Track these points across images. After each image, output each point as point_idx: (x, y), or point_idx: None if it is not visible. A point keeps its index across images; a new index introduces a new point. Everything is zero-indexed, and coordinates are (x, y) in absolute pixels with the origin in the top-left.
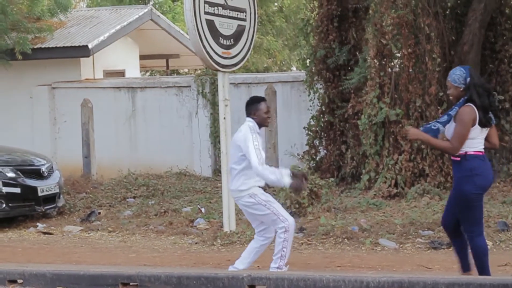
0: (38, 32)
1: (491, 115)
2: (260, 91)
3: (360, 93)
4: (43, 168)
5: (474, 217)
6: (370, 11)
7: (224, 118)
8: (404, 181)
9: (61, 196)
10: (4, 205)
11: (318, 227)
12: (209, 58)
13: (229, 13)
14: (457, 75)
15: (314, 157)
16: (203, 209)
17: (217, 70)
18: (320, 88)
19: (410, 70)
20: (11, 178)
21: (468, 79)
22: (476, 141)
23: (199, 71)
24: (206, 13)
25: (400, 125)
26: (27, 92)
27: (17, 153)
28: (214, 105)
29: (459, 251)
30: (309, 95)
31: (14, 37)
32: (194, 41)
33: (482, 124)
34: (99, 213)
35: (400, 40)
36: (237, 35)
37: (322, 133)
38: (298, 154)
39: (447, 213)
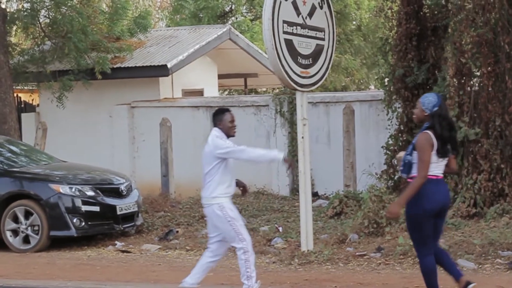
0: (118, 52)
1: (449, 147)
2: (338, 110)
3: None
4: (122, 187)
5: (417, 238)
6: (449, 30)
7: (302, 137)
8: (483, 201)
9: (140, 214)
10: (83, 223)
11: (396, 247)
12: (287, 78)
13: (308, 32)
14: (429, 99)
15: (392, 176)
16: (280, 228)
17: (296, 90)
18: (398, 107)
19: (490, 89)
20: (90, 197)
21: (436, 109)
22: (431, 166)
23: (277, 90)
24: (284, 32)
25: (479, 144)
26: (106, 111)
27: (96, 171)
28: (292, 124)
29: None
30: (387, 114)
31: (94, 56)
32: (273, 60)
33: (439, 154)
34: (177, 231)
35: (479, 58)
36: (315, 54)
37: None
38: (376, 174)
39: None
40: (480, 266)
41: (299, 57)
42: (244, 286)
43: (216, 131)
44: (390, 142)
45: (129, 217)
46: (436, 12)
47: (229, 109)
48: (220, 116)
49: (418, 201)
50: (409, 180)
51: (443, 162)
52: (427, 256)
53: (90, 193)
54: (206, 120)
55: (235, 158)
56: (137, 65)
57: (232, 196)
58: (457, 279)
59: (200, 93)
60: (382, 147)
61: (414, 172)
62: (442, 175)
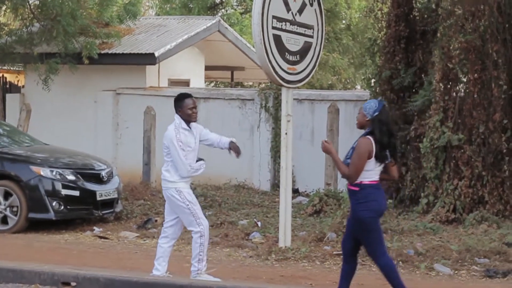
0: (106, 38)
1: (387, 152)
2: (323, 108)
3: (424, 116)
4: (103, 173)
5: (374, 238)
6: (438, 34)
7: (286, 133)
8: (462, 207)
9: (119, 201)
10: (62, 207)
11: None
12: (274, 73)
13: (297, 29)
14: (370, 104)
15: None
16: (259, 223)
17: (282, 86)
18: None
19: (475, 96)
20: (70, 181)
21: (376, 114)
22: (372, 173)
23: (263, 85)
24: (273, 28)
25: (462, 150)
26: (91, 97)
27: (78, 156)
28: (276, 119)
29: (346, 276)
30: None
31: (82, 41)
32: (260, 55)
33: (378, 159)
34: (156, 220)
35: (466, 65)
36: (303, 51)
37: None
38: None
39: (347, 237)
40: (456, 272)
41: (286, 53)
42: (193, 268)
43: (177, 119)
44: None
45: (109, 203)
46: (426, 16)
47: (190, 95)
48: (180, 103)
49: (368, 205)
50: (350, 188)
51: (380, 168)
52: (384, 255)
53: (71, 177)
54: None
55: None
56: (125, 52)
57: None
58: None
59: (186, 83)
60: None
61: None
62: (378, 180)
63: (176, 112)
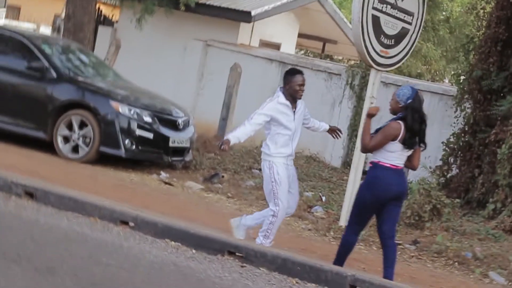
0: None
1: (417, 140)
2: None
3: (507, 122)
4: (180, 120)
5: (359, 218)
6: None
7: None
8: None
9: (190, 151)
10: (134, 147)
11: (433, 244)
12: (366, 53)
13: (397, 13)
14: (403, 92)
15: (445, 174)
16: (323, 198)
17: (371, 67)
18: (468, 107)
19: None
20: (146, 123)
21: (410, 101)
22: (394, 155)
23: (353, 62)
24: (374, 8)
25: None
26: (181, 43)
27: (158, 99)
28: (359, 98)
29: (386, 261)
30: (455, 112)
31: None
32: (356, 33)
33: (406, 144)
34: (223, 176)
35: None
36: (399, 37)
37: (459, 152)
38: (430, 168)
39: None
40: (510, 283)
41: (382, 36)
42: (258, 240)
43: (278, 92)
44: (452, 140)
45: (180, 151)
46: None
47: (301, 71)
48: (289, 77)
49: (372, 187)
50: (370, 164)
51: (407, 154)
52: (352, 235)
53: (147, 119)
54: (276, 75)
55: None
56: (222, 5)
57: (291, 157)
58: None
59: (277, 47)
60: (442, 142)
61: (377, 157)
62: (402, 166)
63: (283, 86)
